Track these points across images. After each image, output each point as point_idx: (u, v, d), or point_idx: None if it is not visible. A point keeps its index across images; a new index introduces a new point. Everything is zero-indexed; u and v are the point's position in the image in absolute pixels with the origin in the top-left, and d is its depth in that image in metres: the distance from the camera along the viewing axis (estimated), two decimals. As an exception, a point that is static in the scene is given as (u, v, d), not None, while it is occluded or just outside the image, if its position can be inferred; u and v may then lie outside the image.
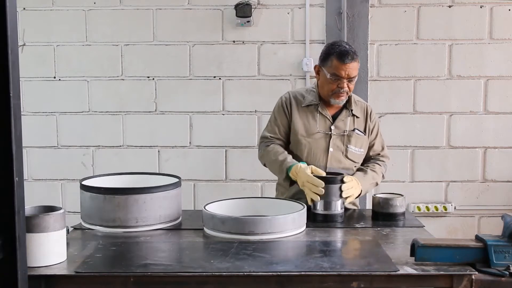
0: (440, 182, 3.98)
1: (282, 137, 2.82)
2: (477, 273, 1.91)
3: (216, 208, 2.45)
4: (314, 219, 2.54)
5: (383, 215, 2.58)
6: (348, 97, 2.76)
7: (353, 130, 2.78)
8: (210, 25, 3.88)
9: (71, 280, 1.92)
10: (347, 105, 2.78)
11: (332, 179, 2.54)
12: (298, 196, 2.68)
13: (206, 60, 3.91)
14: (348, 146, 2.77)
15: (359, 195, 2.67)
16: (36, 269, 1.91)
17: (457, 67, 3.89)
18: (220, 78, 3.91)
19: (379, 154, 2.88)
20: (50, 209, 2.03)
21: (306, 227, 2.44)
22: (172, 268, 1.96)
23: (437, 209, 3.96)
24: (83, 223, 2.50)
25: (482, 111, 3.93)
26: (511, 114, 3.93)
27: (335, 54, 2.65)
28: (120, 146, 3.99)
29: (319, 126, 2.76)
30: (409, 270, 1.92)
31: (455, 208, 3.98)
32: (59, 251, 1.99)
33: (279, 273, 1.90)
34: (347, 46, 2.70)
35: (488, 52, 3.88)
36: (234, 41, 3.87)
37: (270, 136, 2.82)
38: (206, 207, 2.41)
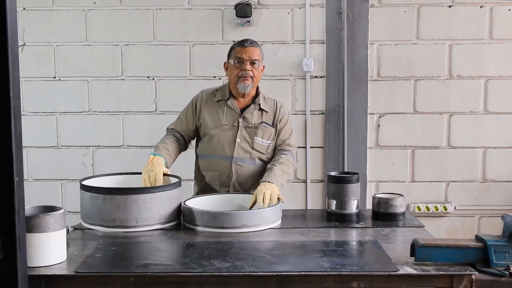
0: (440, 182, 3.98)
1: (183, 131, 3.02)
2: (477, 273, 1.91)
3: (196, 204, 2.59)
4: (329, 219, 2.56)
5: (383, 215, 2.58)
6: (257, 93, 2.96)
7: (260, 123, 2.93)
8: (210, 25, 3.88)
9: (71, 280, 1.92)
10: (255, 99, 2.95)
11: (347, 178, 2.55)
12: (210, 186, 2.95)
13: (206, 60, 3.91)
14: (255, 138, 2.92)
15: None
16: (36, 269, 1.92)
17: (457, 67, 3.89)
18: (220, 78, 3.90)
19: (284, 141, 2.97)
20: (50, 209, 2.03)
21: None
22: (172, 268, 1.96)
23: (437, 209, 3.95)
24: (83, 223, 2.51)
25: (482, 111, 3.92)
26: (511, 114, 3.93)
27: (236, 43, 2.96)
28: (120, 146, 3.99)
29: (226, 118, 2.92)
30: (409, 270, 1.93)
31: (455, 208, 3.98)
32: (59, 251, 2.00)
33: (279, 273, 1.91)
34: (248, 39, 2.96)
35: (488, 52, 3.88)
36: (234, 41, 3.85)
37: (172, 128, 3.04)
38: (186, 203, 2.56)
